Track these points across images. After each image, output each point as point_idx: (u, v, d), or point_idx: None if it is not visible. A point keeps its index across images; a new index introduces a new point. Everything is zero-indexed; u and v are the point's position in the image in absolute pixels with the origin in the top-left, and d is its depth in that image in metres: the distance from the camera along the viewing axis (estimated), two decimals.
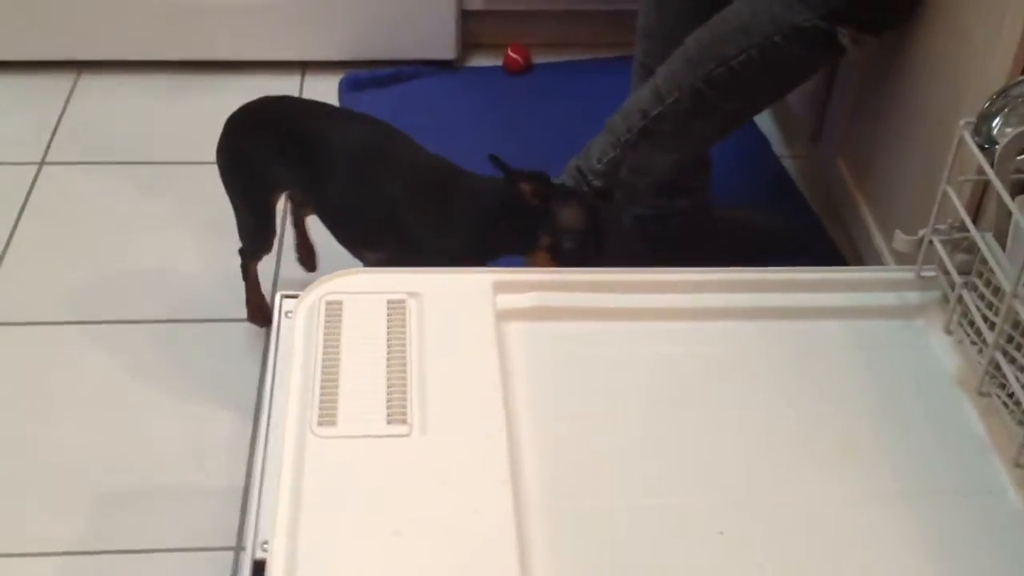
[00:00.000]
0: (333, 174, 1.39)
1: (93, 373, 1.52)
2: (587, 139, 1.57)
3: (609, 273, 1.11)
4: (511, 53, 2.15)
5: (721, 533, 0.88)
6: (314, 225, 1.54)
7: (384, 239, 1.41)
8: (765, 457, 0.95)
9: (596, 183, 1.52)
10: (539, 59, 2.17)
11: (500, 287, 1.06)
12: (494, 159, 1.31)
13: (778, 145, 1.98)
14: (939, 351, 1.04)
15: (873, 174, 1.55)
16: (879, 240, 1.49)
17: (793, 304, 1.09)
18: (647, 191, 1.61)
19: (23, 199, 1.80)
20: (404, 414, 0.90)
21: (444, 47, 2.13)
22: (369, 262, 1.44)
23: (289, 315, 1.03)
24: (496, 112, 2.06)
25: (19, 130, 1.95)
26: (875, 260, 1.50)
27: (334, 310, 1.01)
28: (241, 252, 1.53)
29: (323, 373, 0.93)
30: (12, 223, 1.75)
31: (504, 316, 1.04)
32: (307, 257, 1.64)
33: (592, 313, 1.07)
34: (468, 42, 2.18)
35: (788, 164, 1.94)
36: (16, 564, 1.30)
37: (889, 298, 1.09)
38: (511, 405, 0.95)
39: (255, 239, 1.50)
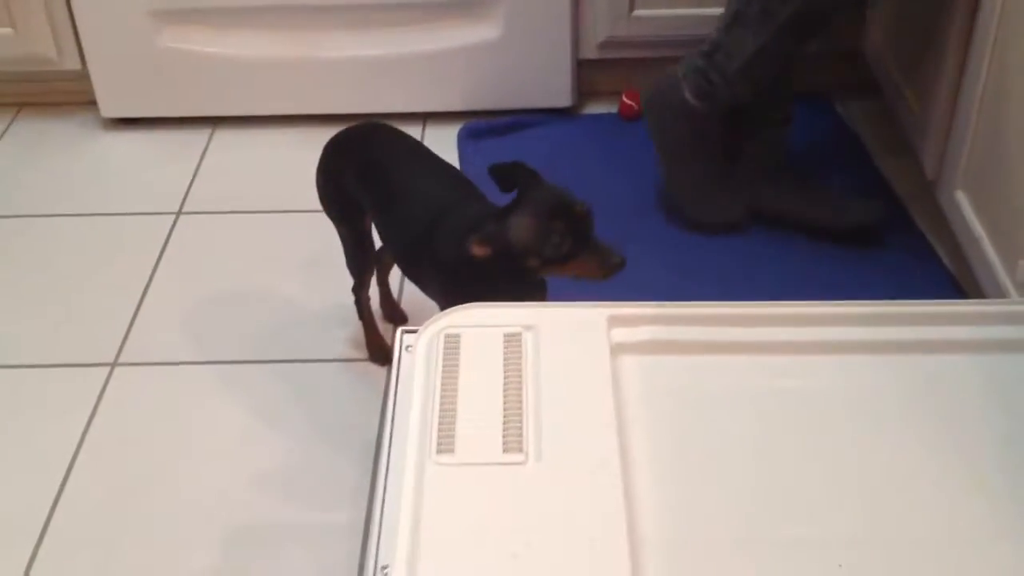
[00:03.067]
0: (394, 207, 1.42)
1: (226, 411, 1.59)
2: None
3: (726, 307, 1.11)
4: (625, 99, 2.17)
5: (840, 566, 0.86)
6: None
7: (426, 278, 1.42)
8: (888, 492, 0.93)
9: (699, 63, 1.75)
10: None
11: (615, 321, 1.07)
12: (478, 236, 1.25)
13: (899, 184, 1.96)
14: None
15: (995, 206, 1.51)
16: (1003, 275, 1.45)
17: (916, 338, 1.07)
18: (739, 78, 1.74)
19: (161, 247, 1.90)
20: (520, 442, 0.92)
21: (560, 95, 2.17)
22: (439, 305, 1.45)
23: (409, 349, 1.06)
24: (612, 158, 2.08)
25: (159, 182, 2.07)
26: (1000, 296, 1.45)
27: (452, 343, 1.03)
28: (353, 289, 1.59)
29: (441, 403, 0.96)
30: (151, 270, 1.85)
31: (619, 349, 1.05)
32: (392, 314, 1.69)
33: (708, 347, 1.07)
34: (584, 90, 2.22)
35: (909, 202, 1.91)
36: None
37: (1013, 331, 1.06)
38: (625, 436, 0.95)
39: (356, 259, 1.56)
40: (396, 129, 1.56)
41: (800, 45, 1.73)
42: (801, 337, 1.07)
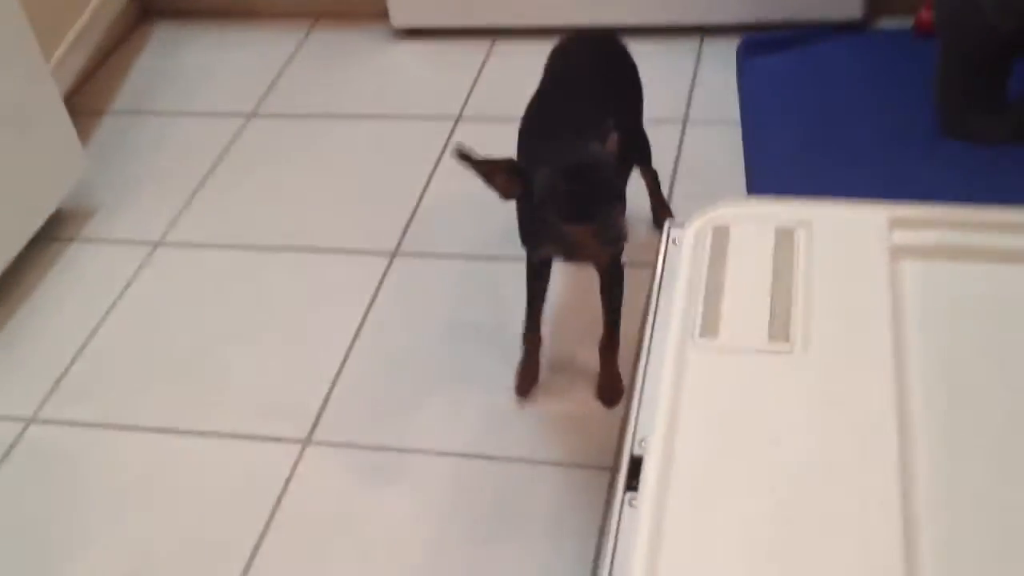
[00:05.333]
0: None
1: (499, 300, 1.66)
2: None
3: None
4: (924, 14, 2.03)
5: None
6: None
7: None
8: None
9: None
10: None
11: (897, 223, 1.02)
12: (460, 155, 1.28)
13: None
14: None
15: None
16: None
17: None
18: None
19: (440, 150, 1.98)
20: (787, 331, 0.89)
21: (849, 7, 2.06)
22: None
23: (676, 242, 1.06)
24: (905, 78, 1.95)
25: (441, 90, 2.14)
26: None
27: (721, 235, 1.02)
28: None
29: (707, 289, 0.95)
30: (431, 168, 1.93)
31: (900, 252, 0.99)
32: (658, 212, 1.69)
33: (1001, 255, 1.00)
34: (876, 2, 2.09)
35: None
36: (413, 459, 1.46)
37: None
38: (900, 338, 0.91)
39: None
40: (609, 38, 1.61)
41: None
42: None
